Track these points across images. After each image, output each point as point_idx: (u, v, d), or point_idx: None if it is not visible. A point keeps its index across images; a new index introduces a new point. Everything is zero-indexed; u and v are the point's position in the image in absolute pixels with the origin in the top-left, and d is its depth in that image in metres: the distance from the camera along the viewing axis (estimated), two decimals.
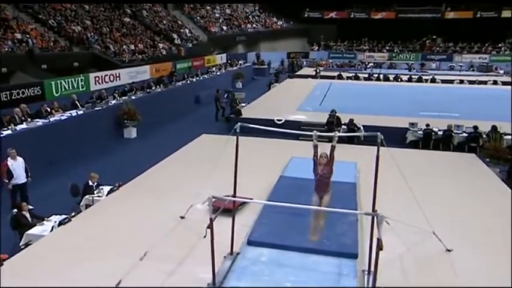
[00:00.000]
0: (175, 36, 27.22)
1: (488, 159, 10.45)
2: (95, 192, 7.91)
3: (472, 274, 5.43)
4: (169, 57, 23.60)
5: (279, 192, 7.67)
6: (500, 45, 37.07)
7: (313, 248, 5.76)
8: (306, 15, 40.81)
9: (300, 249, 5.76)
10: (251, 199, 7.67)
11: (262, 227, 6.28)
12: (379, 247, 4.37)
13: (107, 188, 8.03)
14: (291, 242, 5.90)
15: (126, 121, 13.65)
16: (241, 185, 7.60)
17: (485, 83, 26.32)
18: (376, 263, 4.43)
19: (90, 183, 7.99)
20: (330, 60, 35.54)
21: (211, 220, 4.84)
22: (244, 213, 7.37)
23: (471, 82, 26.35)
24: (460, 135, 13.03)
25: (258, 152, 10.91)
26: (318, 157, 5.85)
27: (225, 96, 17.52)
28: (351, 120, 13.45)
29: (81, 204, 7.78)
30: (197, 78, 21.36)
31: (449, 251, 5.97)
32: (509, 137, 12.12)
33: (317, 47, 38.83)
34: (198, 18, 32.49)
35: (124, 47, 21.50)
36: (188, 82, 19.97)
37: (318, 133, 6.12)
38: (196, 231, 6.59)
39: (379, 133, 5.42)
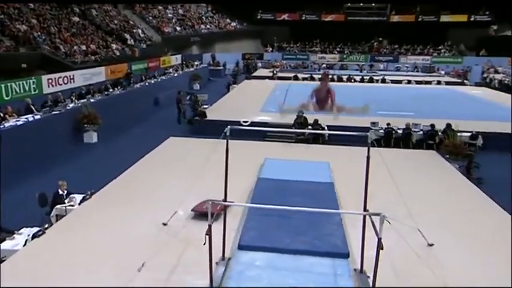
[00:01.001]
0: (127, 36, 26.34)
1: (448, 155, 11.07)
2: (66, 201, 7.44)
3: (454, 266, 5.68)
4: (124, 58, 22.81)
5: (260, 194, 7.65)
6: (440, 47, 39.55)
7: (305, 249, 5.79)
8: (258, 17, 41.13)
9: (293, 251, 5.77)
10: (232, 202, 7.64)
11: (251, 230, 6.23)
12: (380, 246, 4.48)
13: (78, 197, 7.59)
14: (282, 244, 5.90)
15: (86, 125, 13.00)
16: (218, 189, 7.52)
17: (430, 83, 27.96)
18: (376, 262, 4.52)
19: (60, 192, 7.51)
20: (284, 62, 36.06)
21: (210, 226, 4.71)
22: (228, 217, 7.27)
23: (418, 82, 27.87)
24: (418, 133, 13.72)
25: (230, 154, 10.82)
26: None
27: (188, 98, 17.21)
28: (316, 121, 13.69)
29: (51, 215, 7.28)
30: (155, 79, 20.81)
31: (430, 245, 6.25)
32: (463, 133, 12.94)
33: (271, 49, 39.26)
34: (150, 18, 31.67)
35: (75, 47, 20.47)
36: (147, 84, 19.40)
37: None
38: (181, 238, 6.44)
39: (368, 133, 5.56)
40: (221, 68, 31.72)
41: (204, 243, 4.71)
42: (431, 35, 38.79)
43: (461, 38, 38.61)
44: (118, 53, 23.19)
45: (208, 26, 36.50)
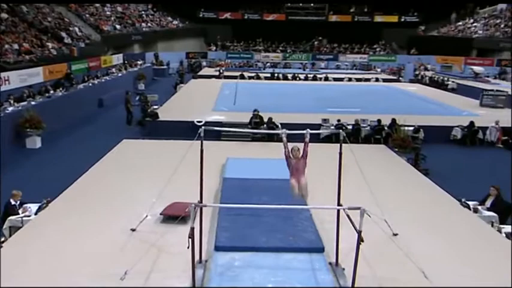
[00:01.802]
0: (64, 35, 24.84)
1: (396, 149, 11.73)
2: (20, 211, 6.91)
3: (420, 253, 6.00)
4: (62, 57, 21.45)
5: (228, 194, 7.61)
6: (375, 46, 41.71)
7: (282, 246, 5.87)
8: (201, 15, 40.73)
9: (270, 249, 5.82)
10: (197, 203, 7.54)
11: (226, 231, 6.19)
12: (361, 239, 4.66)
13: (34, 206, 7.08)
14: (259, 243, 5.92)
15: (28, 130, 12.11)
16: (183, 190, 7.41)
17: (369, 80, 29.40)
18: (356, 255, 4.66)
19: (13, 202, 6.95)
20: (229, 61, 36.06)
21: (192, 229, 4.60)
22: (196, 219, 7.16)
23: (358, 79, 29.19)
24: (366, 128, 14.40)
25: (188, 154, 10.63)
26: (290, 151, 5.68)
27: (137, 98, 16.63)
28: (270, 119, 13.89)
29: (4, 227, 6.71)
30: (98, 80, 19.87)
31: (395, 235, 6.60)
32: (407, 128, 13.77)
33: (215, 47, 39.08)
34: (87, 16, 30.12)
35: (6, 46, 18.93)
36: (90, 84, 18.48)
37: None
38: (153, 243, 6.26)
39: (341, 130, 5.75)
40: (165, 67, 31.05)
41: (188, 247, 4.61)
42: (367, 34, 40.77)
43: (394, 38, 41.00)
44: (55, 52, 21.80)
45: (149, 25, 35.45)
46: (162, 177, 9.04)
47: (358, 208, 4.60)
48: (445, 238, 6.54)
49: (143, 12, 37.17)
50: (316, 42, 41.50)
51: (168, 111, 15.73)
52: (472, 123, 14.35)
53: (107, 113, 17.75)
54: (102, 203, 7.51)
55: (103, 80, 20.22)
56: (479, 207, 7.62)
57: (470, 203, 7.77)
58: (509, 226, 6.88)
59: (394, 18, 41.98)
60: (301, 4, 42.54)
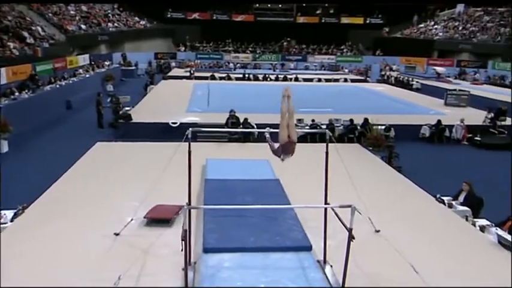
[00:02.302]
0: (26, 34, 23.87)
1: (371, 148, 12.04)
2: None
3: (402, 249, 6.18)
4: (24, 58, 20.60)
5: (211, 196, 7.58)
6: (342, 47, 42.59)
7: (270, 246, 5.91)
8: (169, 16, 40.19)
9: (258, 249, 5.84)
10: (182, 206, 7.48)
11: (213, 232, 6.16)
12: (351, 237, 4.77)
13: (9, 213, 6.78)
14: (247, 243, 5.94)
15: None
16: (165, 192, 7.33)
17: (338, 80, 30.01)
18: (347, 252, 4.78)
19: None
20: (198, 61, 35.80)
21: (186, 231, 4.57)
22: (180, 222, 7.10)
23: (327, 80, 29.72)
24: (339, 128, 14.69)
25: (166, 156, 10.48)
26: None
27: (108, 100, 16.21)
28: (246, 120, 13.91)
29: None
30: (65, 81, 19.23)
31: (377, 231, 6.78)
32: (378, 127, 14.16)
33: (183, 48, 38.67)
34: (50, 15, 29.07)
35: None
36: (57, 86, 17.86)
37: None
38: (138, 247, 6.15)
39: (327, 130, 5.86)
40: (133, 68, 30.48)
41: (182, 249, 4.58)
42: (334, 35, 41.58)
43: (360, 39, 42.03)
44: (17, 53, 20.92)
45: (116, 24, 34.61)
46: (141, 180, 8.95)
47: (349, 206, 4.71)
48: (426, 233, 6.78)
49: (109, 11, 36.26)
50: (285, 43, 41.90)
51: (141, 113, 15.43)
52: (439, 121, 14.94)
53: (76, 115, 17.23)
54: (81, 207, 7.29)
55: (70, 82, 19.60)
56: (453, 203, 7.95)
57: (444, 198, 8.10)
58: (483, 220, 7.21)
59: (359, 20, 43.03)
60: (269, 5, 42.85)
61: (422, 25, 41.18)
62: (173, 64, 34.34)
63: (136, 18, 38.37)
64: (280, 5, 42.96)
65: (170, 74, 30.12)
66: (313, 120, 14.52)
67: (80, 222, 6.71)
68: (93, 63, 26.88)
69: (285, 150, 5.18)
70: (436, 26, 40.08)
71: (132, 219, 6.52)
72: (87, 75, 22.26)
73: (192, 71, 28.58)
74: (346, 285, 4.71)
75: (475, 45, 34.49)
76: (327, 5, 43.72)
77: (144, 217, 6.79)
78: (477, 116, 16.53)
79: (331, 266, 5.62)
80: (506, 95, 20.08)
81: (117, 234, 6.37)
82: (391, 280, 5.33)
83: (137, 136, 13.21)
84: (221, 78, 27.74)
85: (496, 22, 36.01)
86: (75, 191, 8.07)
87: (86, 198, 7.73)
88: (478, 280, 5.42)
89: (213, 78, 27.62)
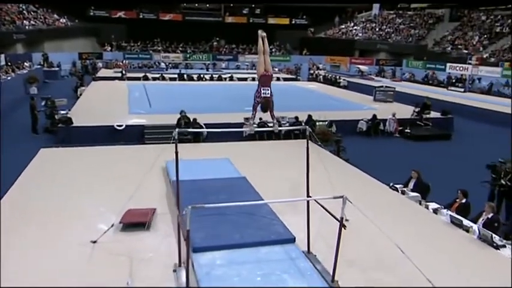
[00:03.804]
0: None
1: (320, 143, 12.65)
2: None
3: (373, 234, 6.72)
4: None
5: (186, 196, 7.49)
6: (271, 47, 43.61)
7: (257, 241, 6.06)
8: (91, 14, 38.10)
9: (246, 244, 5.97)
10: (155, 209, 7.36)
11: (198, 232, 6.12)
12: (342, 226, 5.15)
13: None
14: (234, 240, 6.03)
15: None
16: (126, 196, 7.10)
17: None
18: (338, 240, 5.14)
19: None
20: (127, 61, 34.44)
21: (188, 232, 4.59)
22: (158, 224, 6.99)
23: None
24: (285, 125, 15.20)
25: (118, 161, 10.10)
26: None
27: (43, 103, 15.05)
28: (195, 120, 13.87)
29: None
30: None
31: (347, 220, 7.23)
32: (321, 123, 14.93)
33: (110, 48, 36.93)
34: None
35: None
36: None
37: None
38: (120, 253, 5.97)
39: (307, 127, 6.17)
40: (56, 69, 28.46)
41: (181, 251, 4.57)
42: None
43: (287, 39, 43.44)
44: None
45: (33, 22, 32.00)
46: (100, 184, 8.61)
47: (341, 197, 5.10)
48: (389, 218, 7.37)
49: (23, 8, 33.39)
50: (215, 43, 41.92)
51: (79, 116, 14.52)
52: (374, 116, 16.14)
53: (3, 122, 15.75)
54: (45, 216, 6.86)
55: None
56: (405, 189, 8.74)
57: (397, 186, 8.87)
58: (433, 203, 8.03)
59: (285, 21, 44.51)
60: (196, 4, 42.54)
61: (343, 26, 43.75)
62: (100, 64, 32.67)
63: (56, 16, 35.80)
64: (207, 5, 42.86)
65: (99, 75, 28.63)
66: (260, 119, 14.76)
67: (49, 231, 6.34)
68: (10, 64, 24.63)
69: (262, 84, 6.10)
70: (355, 27, 42.85)
71: (113, 225, 6.27)
72: (9, 78, 20.36)
73: (124, 72, 27.46)
74: (336, 271, 5.11)
75: (391, 45, 37.55)
76: (253, 5, 44.49)
77: (120, 222, 6.57)
78: (403, 110, 18.12)
79: (315, 256, 5.96)
80: (425, 90, 22.28)
81: (94, 242, 6.11)
82: (377, 265, 5.83)
83: (79, 141, 12.48)
84: (154, 79, 27.05)
85: (406, 24, 39.52)
86: (32, 200, 7.51)
87: (46, 206, 7.25)
88: (442, 253, 6.20)
89: (145, 78, 26.85)
